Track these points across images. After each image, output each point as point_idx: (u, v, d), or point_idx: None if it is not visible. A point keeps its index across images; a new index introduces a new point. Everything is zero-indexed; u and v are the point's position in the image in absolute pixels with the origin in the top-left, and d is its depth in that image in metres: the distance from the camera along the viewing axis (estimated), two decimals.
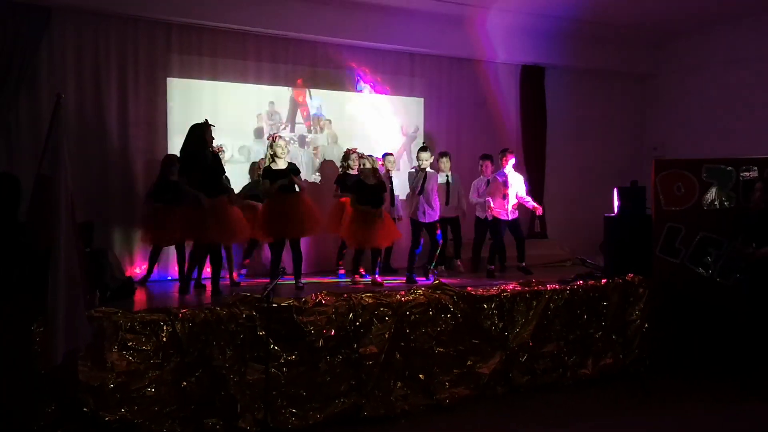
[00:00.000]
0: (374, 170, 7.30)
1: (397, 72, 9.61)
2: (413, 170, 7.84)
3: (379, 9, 8.79)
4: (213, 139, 6.54)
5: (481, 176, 8.62)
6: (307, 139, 8.99)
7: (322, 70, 9.06)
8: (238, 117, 8.57)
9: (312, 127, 9.05)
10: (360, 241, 7.24)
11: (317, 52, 9.00)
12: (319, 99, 9.04)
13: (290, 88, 8.88)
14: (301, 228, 6.84)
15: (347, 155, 8.16)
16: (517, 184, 8.33)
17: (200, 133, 6.38)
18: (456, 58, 9.91)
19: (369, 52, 9.30)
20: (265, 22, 8.29)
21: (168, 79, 8.15)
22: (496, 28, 9.69)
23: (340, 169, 8.31)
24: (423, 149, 7.74)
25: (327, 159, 9.04)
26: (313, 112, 9.05)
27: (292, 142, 8.68)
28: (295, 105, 8.95)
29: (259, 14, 8.21)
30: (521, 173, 9.62)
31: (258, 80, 8.69)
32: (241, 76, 8.58)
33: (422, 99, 9.85)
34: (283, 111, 8.84)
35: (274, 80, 8.79)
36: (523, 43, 10.06)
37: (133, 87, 7.97)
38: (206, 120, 6.51)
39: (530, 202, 8.41)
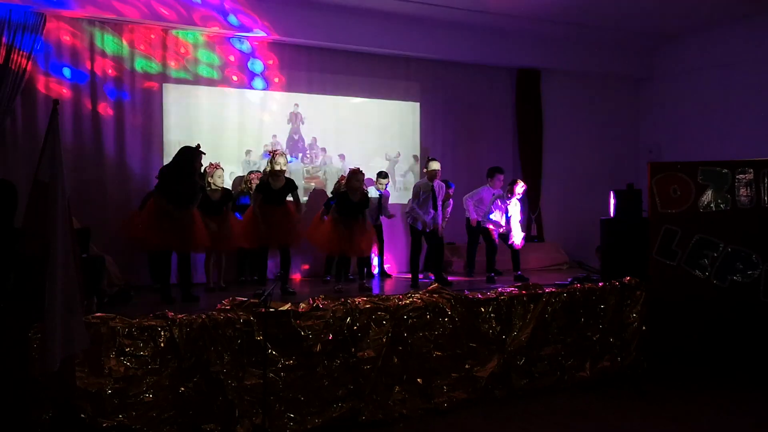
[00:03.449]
0: (361, 190, 7.34)
1: (392, 76, 9.63)
2: (422, 182, 7.86)
3: (374, 14, 8.81)
4: (201, 165, 6.58)
5: (489, 187, 8.49)
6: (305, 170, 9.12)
7: (318, 75, 9.08)
8: (234, 122, 8.60)
9: (309, 156, 9.12)
10: (337, 250, 7.27)
11: (313, 58, 9.03)
12: (312, 124, 9.09)
13: (289, 122, 8.98)
14: (285, 239, 6.92)
15: (341, 183, 8.13)
16: (514, 212, 8.39)
17: (188, 160, 6.40)
18: (452, 61, 9.94)
19: (365, 56, 9.32)
20: (261, 27, 8.31)
21: (164, 84, 8.17)
22: (491, 32, 9.72)
23: (331, 194, 8.37)
24: (433, 159, 7.77)
25: (318, 188, 9.09)
26: (308, 141, 9.09)
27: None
28: (293, 138, 9.02)
29: (254, 19, 8.23)
30: (517, 176, 9.70)
31: (253, 85, 8.71)
32: (237, 82, 8.60)
33: (418, 103, 9.87)
34: (284, 142, 8.93)
35: (270, 86, 8.81)
36: (519, 47, 10.09)
37: (130, 92, 7.99)
38: (198, 145, 6.52)
39: (515, 232, 8.40)
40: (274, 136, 8.82)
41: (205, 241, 6.68)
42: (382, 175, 8.52)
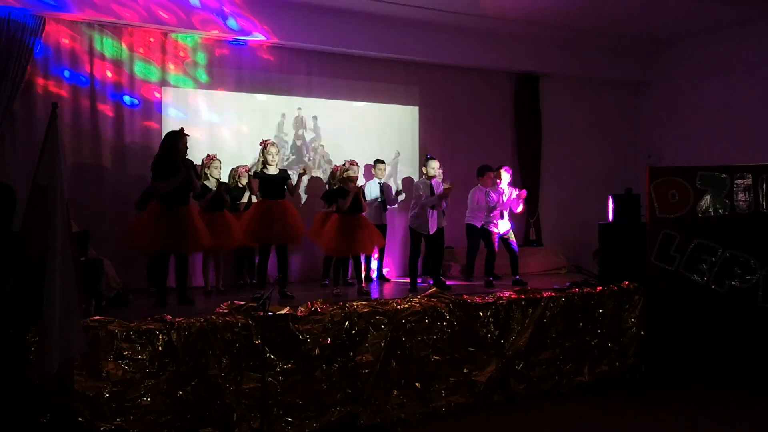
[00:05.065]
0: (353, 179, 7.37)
1: (391, 80, 9.64)
2: (421, 181, 7.89)
3: (373, 18, 8.82)
4: (187, 147, 6.51)
5: (480, 186, 8.53)
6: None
7: (317, 79, 9.09)
8: (233, 125, 8.61)
9: (312, 160, 9.14)
10: (342, 249, 7.25)
11: (312, 61, 9.03)
12: (312, 127, 9.13)
13: (294, 126, 9.00)
14: (287, 234, 6.88)
15: (333, 174, 8.18)
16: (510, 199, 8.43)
17: (173, 142, 6.38)
18: (451, 66, 9.95)
19: (364, 60, 9.32)
20: (260, 30, 8.31)
21: (163, 88, 8.17)
22: (490, 36, 9.74)
23: (327, 186, 8.37)
24: (432, 158, 7.81)
25: (314, 176, 9.10)
26: (310, 145, 9.11)
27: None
28: (296, 142, 9.03)
29: (253, 23, 8.24)
30: (516, 180, 9.71)
31: (253, 89, 8.72)
32: (236, 85, 8.61)
33: (417, 108, 9.88)
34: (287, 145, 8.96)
35: (269, 89, 8.82)
36: (518, 51, 10.11)
37: (129, 95, 7.99)
38: (181, 128, 6.51)
39: (516, 208, 8.46)
40: (275, 136, 8.84)
41: (203, 241, 6.67)
42: (380, 161, 8.59)
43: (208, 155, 7.45)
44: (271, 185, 6.84)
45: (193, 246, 6.58)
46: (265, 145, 6.91)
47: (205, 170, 7.26)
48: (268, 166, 6.84)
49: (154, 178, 6.32)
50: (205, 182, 7.21)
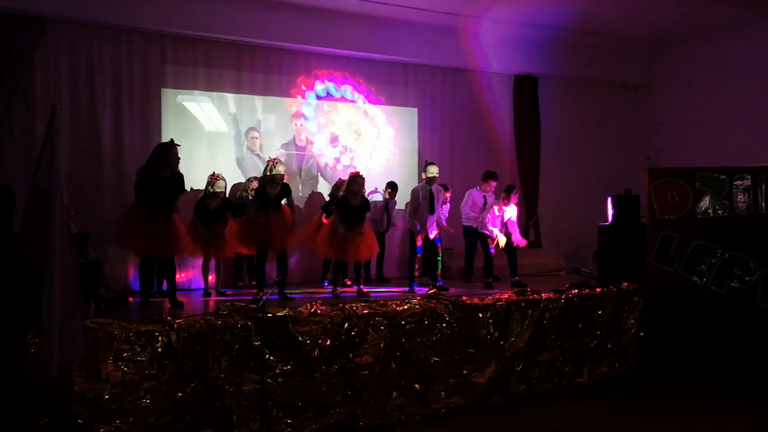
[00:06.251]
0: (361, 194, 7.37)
1: (390, 82, 9.65)
2: (420, 186, 7.90)
3: (372, 20, 8.84)
4: (178, 159, 6.51)
5: (480, 189, 8.52)
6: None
7: (316, 81, 9.10)
8: (231, 125, 8.60)
9: (307, 160, 9.17)
10: (340, 255, 7.25)
11: (311, 63, 9.04)
12: (311, 128, 9.16)
13: (291, 125, 9.02)
14: (282, 240, 6.93)
15: (338, 186, 8.18)
16: (510, 213, 8.45)
17: (162, 153, 6.40)
18: (450, 68, 9.97)
19: (363, 62, 9.34)
20: (259, 32, 8.32)
21: (162, 89, 8.17)
22: (489, 38, 9.75)
23: (329, 197, 8.40)
24: (432, 164, 7.84)
25: (316, 191, 9.13)
26: (308, 145, 9.14)
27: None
28: (294, 142, 9.07)
29: (253, 25, 8.25)
30: (515, 182, 9.71)
31: (252, 91, 8.74)
32: (236, 87, 8.61)
33: (416, 109, 9.89)
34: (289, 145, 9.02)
35: (268, 91, 8.83)
36: (517, 53, 10.13)
37: (128, 97, 8.00)
38: (171, 140, 6.53)
39: (516, 234, 8.48)
40: (282, 143, 8.86)
41: (187, 245, 6.68)
42: (391, 185, 8.75)
43: (213, 174, 7.44)
44: (271, 202, 6.90)
45: (176, 249, 6.60)
46: (273, 163, 6.94)
47: (209, 188, 7.26)
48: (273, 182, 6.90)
49: (137, 185, 6.39)
50: (207, 200, 7.23)
